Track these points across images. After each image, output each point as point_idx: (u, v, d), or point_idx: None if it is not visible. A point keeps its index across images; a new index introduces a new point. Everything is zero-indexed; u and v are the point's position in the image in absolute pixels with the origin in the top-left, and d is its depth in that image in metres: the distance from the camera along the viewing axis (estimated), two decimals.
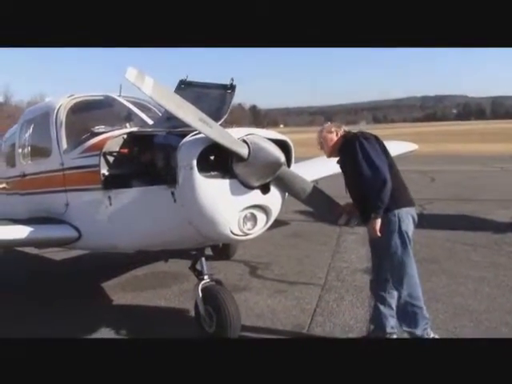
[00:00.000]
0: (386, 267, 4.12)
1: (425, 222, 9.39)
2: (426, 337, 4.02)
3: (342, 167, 4.27)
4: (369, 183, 3.88)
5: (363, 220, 4.12)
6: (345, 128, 4.33)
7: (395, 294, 4.15)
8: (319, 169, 7.58)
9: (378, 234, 3.93)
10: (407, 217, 4.02)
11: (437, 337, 4.10)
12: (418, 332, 4.00)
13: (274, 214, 4.29)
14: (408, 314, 4.03)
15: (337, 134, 4.26)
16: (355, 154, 3.95)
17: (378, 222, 3.93)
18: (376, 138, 4.12)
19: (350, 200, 4.30)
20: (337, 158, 4.31)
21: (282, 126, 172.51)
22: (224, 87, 4.93)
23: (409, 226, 4.02)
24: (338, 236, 8.59)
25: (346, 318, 5.00)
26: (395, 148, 10.14)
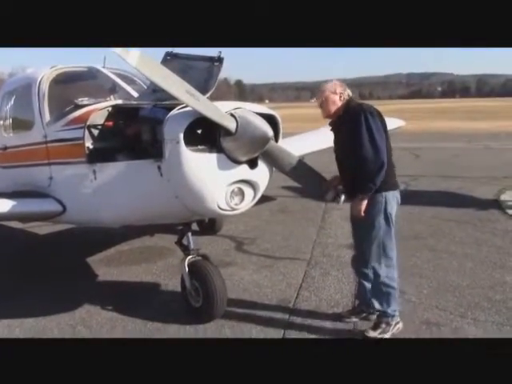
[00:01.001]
0: (366, 246, 4.08)
1: (409, 198, 9.50)
2: (396, 317, 4.07)
3: (336, 134, 4.12)
4: (365, 162, 3.77)
5: (348, 195, 4.07)
6: (349, 92, 4.09)
7: None
8: (306, 144, 7.57)
9: (362, 214, 3.89)
10: (393, 199, 3.99)
11: (401, 323, 4.11)
12: (389, 311, 4.02)
13: (262, 189, 4.27)
14: (383, 294, 4.04)
15: (340, 97, 4.04)
16: (358, 128, 3.79)
17: (364, 203, 3.87)
18: (379, 113, 3.97)
19: (336, 174, 4.26)
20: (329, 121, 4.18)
21: (267, 101, 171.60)
22: (211, 59, 4.83)
23: (393, 208, 4.00)
24: (323, 212, 8.62)
25: (332, 293, 5.04)
26: None
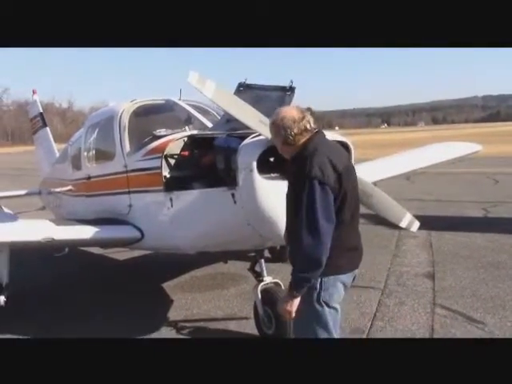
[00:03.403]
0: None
1: (489, 225, 9.08)
2: None
3: (288, 178, 3.16)
4: (301, 247, 2.81)
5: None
6: (303, 125, 2.97)
7: None
8: (379, 171, 7.45)
9: (291, 316, 2.95)
10: (334, 286, 3.00)
11: None
12: None
13: None
14: None
15: (287, 139, 3.00)
16: (300, 195, 2.83)
17: (296, 301, 2.90)
18: (348, 166, 2.97)
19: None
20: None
21: (337, 127, 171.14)
22: (283, 89, 4.94)
23: (333, 297, 3.00)
24: (397, 239, 8.39)
25: (408, 323, 4.88)
26: (458, 150, 9.86)
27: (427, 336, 4.52)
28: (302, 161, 2.88)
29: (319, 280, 2.93)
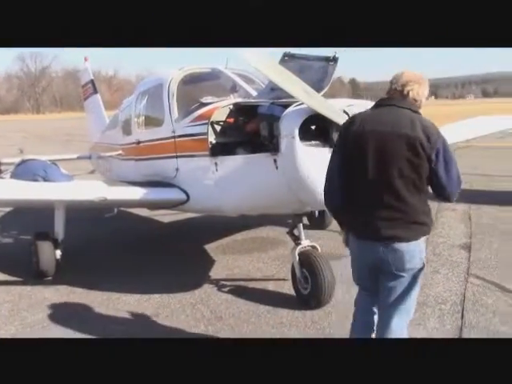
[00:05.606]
0: None
1: None
2: None
3: None
4: None
5: None
6: (390, 90, 3.00)
7: None
8: None
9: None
10: (363, 249, 3.09)
11: None
12: None
13: None
14: None
15: None
16: None
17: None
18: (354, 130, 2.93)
19: None
20: None
21: None
22: (326, 59, 5.06)
23: (359, 262, 3.24)
24: (436, 212, 8.42)
25: (440, 290, 5.03)
26: (503, 123, 9.69)
27: (458, 303, 4.67)
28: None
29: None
